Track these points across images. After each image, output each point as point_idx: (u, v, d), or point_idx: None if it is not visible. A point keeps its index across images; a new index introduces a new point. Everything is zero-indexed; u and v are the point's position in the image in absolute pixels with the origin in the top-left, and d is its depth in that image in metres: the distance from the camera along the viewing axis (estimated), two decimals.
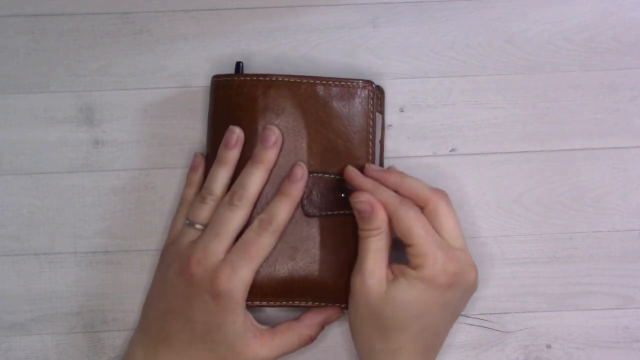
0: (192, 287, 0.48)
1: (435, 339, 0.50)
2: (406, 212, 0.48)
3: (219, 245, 0.48)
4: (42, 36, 0.56)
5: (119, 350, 0.54)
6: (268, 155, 0.50)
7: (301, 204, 0.51)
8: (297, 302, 0.51)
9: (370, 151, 0.52)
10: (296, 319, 0.52)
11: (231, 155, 0.50)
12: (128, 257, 0.55)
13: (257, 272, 0.49)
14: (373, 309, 0.48)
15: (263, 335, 0.50)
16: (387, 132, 0.55)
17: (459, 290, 0.49)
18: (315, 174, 0.51)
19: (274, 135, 0.50)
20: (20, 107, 0.55)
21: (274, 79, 0.51)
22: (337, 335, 0.54)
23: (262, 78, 0.51)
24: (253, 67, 0.55)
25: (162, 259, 0.52)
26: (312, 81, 0.51)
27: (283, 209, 0.49)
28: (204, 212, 0.50)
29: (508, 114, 0.56)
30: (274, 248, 0.50)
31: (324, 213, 0.51)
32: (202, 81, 0.56)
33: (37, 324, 0.54)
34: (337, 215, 0.51)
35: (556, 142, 0.55)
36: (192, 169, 0.53)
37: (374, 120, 0.52)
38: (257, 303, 0.50)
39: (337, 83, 0.51)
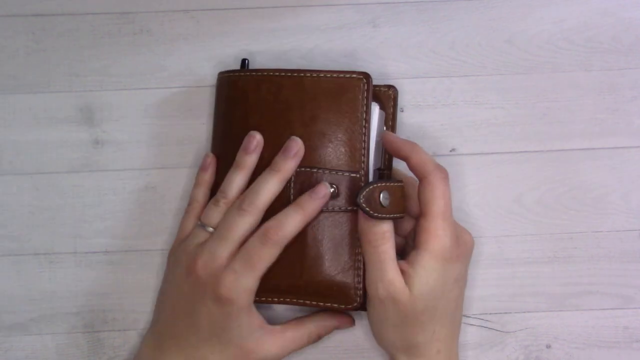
0: (197, 290, 0.48)
1: (456, 315, 0.50)
2: (437, 180, 0.48)
3: (224, 250, 0.48)
4: (42, 36, 0.56)
5: (119, 350, 0.54)
6: (287, 166, 0.49)
7: (288, 198, 0.49)
8: (301, 301, 0.50)
9: (364, 145, 0.50)
10: (308, 316, 0.52)
11: (249, 160, 0.50)
12: (128, 257, 0.55)
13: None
14: (405, 312, 0.47)
15: (273, 333, 0.50)
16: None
17: (462, 261, 0.49)
18: (305, 169, 0.50)
19: (296, 146, 0.49)
20: (20, 107, 0.55)
21: (265, 73, 0.51)
22: (337, 336, 0.54)
23: (254, 73, 0.51)
24: (253, 67, 0.55)
25: (172, 259, 0.52)
26: (302, 74, 0.50)
27: (293, 223, 0.48)
28: (215, 215, 0.50)
29: (508, 114, 0.56)
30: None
31: (336, 208, 0.50)
32: (202, 81, 0.56)
33: (37, 324, 0.54)
34: (326, 212, 0.49)
35: (556, 142, 0.55)
36: (202, 168, 0.52)
37: (368, 114, 0.50)
38: (264, 299, 0.50)
39: (329, 75, 0.50)
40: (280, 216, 0.48)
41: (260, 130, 0.50)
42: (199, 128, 0.55)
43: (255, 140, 0.50)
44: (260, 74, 0.51)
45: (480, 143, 0.55)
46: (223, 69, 0.55)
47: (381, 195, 0.48)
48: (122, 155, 0.55)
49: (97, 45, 0.56)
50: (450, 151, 0.55)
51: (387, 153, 0.53)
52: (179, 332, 0.49)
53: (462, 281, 0.50)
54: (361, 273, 0.49)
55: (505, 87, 0.56)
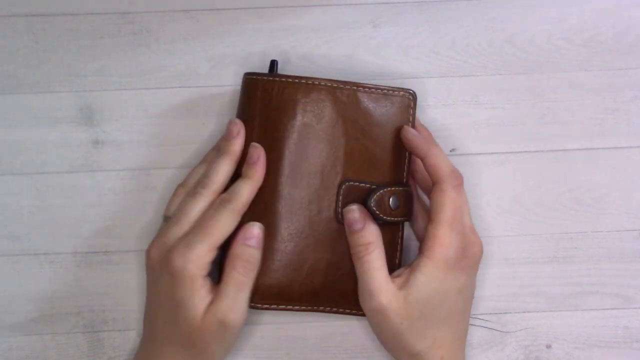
0: (154, 272, 0.49)
1: (461, 326, 0.50)
2: (449, 188, 0.48)
3: (177, 231, 0.48)
4: (42, 36, 0.56)
5: (119, 350, 0.54)
6: (232, 147, 0.50)
7: (335, 212, 0.50)
8: (321, 308, 0.51)
9: (407, 162, 0.51)
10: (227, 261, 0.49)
11: (209, 154, 0.52)
12: (128, 257, 0.55)
13: (285, 277, 0.49)
14: (399, 319, 0.47)
15: (215, 293, 0.47)
16: None
17: (468, 270, 0.49)
18: (351, 182, 0.50)
19: (236, 127, 0.50)
20: (20, 107, 0.55)
21: (317, 82, 0.50)
22: (336, 336, 0.54)
23: (304, 81, 0.50)
24: (253, 66, 0.55)
25: None
26: (354, 87, 0.51)
27: (243, 189, 0.49)
28: (172, 205, 0.51)
29: (508, 114, 0.56)
30: (305, 254, 0.50)
31: None
32: (202, 81, 0.56)
33: (37, 324, 0.54)
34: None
35: (556, 142, 0.55)
36: (181, 184, 0.53)
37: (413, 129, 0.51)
38: (282, 307, 0.50)
39: (379, 91, 0.51)
40: (232, 187, 0.49)
41: (307, 139, 0.50)
42: (199, 128, 0.55)
43: (237, 126, 0.50)
44: (311, 82, 0.50)
45: (480, 143, 0.55)
46: (223, 69, 0.55)
47: (391, 199, 0.49)
48: (122, 155, 0.55)
49: (97, 45, 0.56)
50: (450, 151, 0.55)
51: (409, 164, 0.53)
52: (154, 326, 0.49)
53: (467, 292, 0.50)
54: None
55: (505, 87, 0.56)
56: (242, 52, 0.56)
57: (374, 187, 0.50)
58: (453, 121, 0.56)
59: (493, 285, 0.55)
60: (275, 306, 0.50)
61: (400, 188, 0.50)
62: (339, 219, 0.50)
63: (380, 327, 0.48)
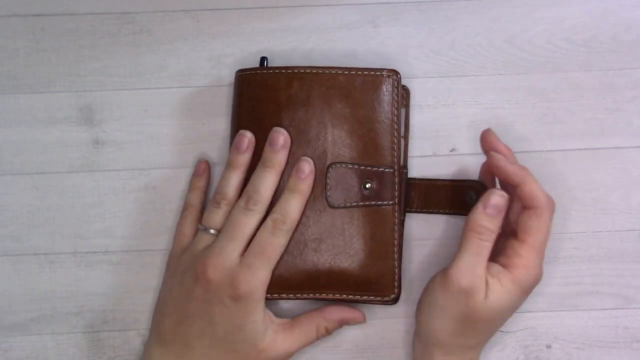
0: (211, 292, 0.48)
1: (491, 337, 0.52)
2: (547, 214, 0.49)
3: (234, 249, 0.48)
4: (42, 36, 0.56)
5: (119, 350, 0.54)
6: (278, 158, 0.50)
7: (325, 195, 0.51)
8: (323, 294, 0.50)
9: (395, 141, 0.51)
10: (317, 310, 0.52)
11: (242, 159, 0.50)
12: (128, 257, 0.55)
13: (282, 264, 0.50)
14: (472, 311, 0.47)
15: (283, 329, 0.50)
16: None
17: (529, 294, 0.50)
18: (339, 165, 0.51)
19: (282, 137, 0.50)
20: (20, 107, 0.55)
21: (296, 70, 0.51)
22: (337, 336, 0.54)
23: (284, 70, 0.51)
24: (253, 66, 0.55)
25: (175, 265, 0.51)
26: (334, 71, 0.51)
27: (294, 207, 0.49)
28: (217, 217, 0.50)
29: (508, 114, 0.56)
30: (299, 240, 0.50)
31: (348, 204, 0.51)
32: (202, 81, 0.56)
33: (37, 324, 0.54)
34: (361, 207, 0.51)
35: (556, 142, 0.55)
36: (196, 174, 0.53)
37: (398, 110, 0.52)
38: (284, 296, 0.50)
39: (360, 73, 0.51)
40: (281, 205, 0.49)
41: (293, 127, 0.51)
42: (199, 128, 0.55)
43: (247, 139, 0.51)
44: (291, 71, 0.51)
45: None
46: (223, 69, 0.55)
47: (467, 195, 0.53)
48: (122, 155, 0.55)
49: (97, 45, 0.56)
50: (450, 151, 0.55)
51: (405, 153, 0.54)
52: (192, 335, 0.49)
53: (516, 310, 0.50)
54: (399, 265, 0.51)
55: (505, 87, 0.56)
56: (242, 52, 0.56)
57: (360, 167, 0.51)
58: (453, 121, 0.56)
59: None
60: (277, 295, 0.50)
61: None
62: (330, 202, 0.50)
63: (451, 305, 0.48)
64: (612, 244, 0.55)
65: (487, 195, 0.49)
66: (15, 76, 0.55)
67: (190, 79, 0.56)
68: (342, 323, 0.52)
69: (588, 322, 0.55)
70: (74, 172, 0.55)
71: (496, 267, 0.48)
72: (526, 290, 0.49)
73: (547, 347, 0.54)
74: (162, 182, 0.55)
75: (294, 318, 0.51)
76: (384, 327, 0.54)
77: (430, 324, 0.49)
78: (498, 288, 0.48)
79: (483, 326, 0.49)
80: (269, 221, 0.49)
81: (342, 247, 0.50)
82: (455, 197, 0.53)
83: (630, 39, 0.56)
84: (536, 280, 0.49)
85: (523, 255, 0.48)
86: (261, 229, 0.49)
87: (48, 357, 0.54)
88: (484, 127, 0.55)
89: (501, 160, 0.50)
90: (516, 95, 0.56)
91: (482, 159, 0.55)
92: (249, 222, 0.49)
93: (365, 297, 0.51)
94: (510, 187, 0.50)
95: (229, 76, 0.55)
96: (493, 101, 0.56)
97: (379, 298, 0.51)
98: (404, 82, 0.55)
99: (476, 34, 0.56)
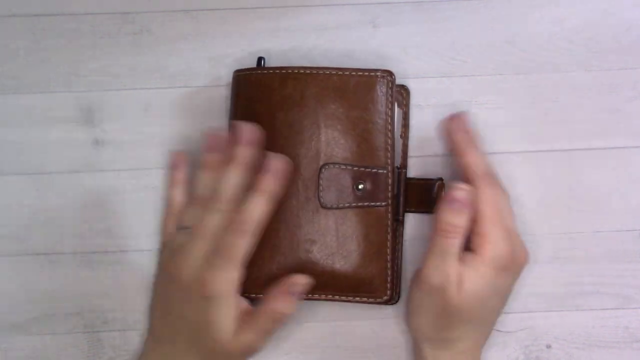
0: (183, 291, 0.49)
1: (488, 326, 0.51)
2: (483, 185, 0.48)
3: (200, 249, 0.49)
4: (42, 36, 0.56)
5: (119, 350, 0.54)
6: (243, 154, 0.50)
7: (317, 195, 0.50)
8: (316, 295, 0.50)
9: (389, 142, 0.51)
10: (267, 297, 0.50)
11: (210, 157, 0.51)
12: (128, 257, 0.55)
13: (274, 265, 0.50)
14: (449, 306, 0.48)
15: (248, 323, 0.49)
16: None
17: (512, 275, 0.49)
18: (332, 165, 0.51)
19: (247, 132, 0.50)
20: (20, 107, 0.55)
21: (290, 71, 0.51)
22: (336, 336, 0.54)
23: (278, 71, 0.51)
24: (251, 67, 0.55)
25: (159, 262, 0.53)
26: (328, 72, 0.51)
27: (256, 206, 0.49)
28: (190, 217, 0.51)
29: (508, 114, 0.56)
30: (291, 241, 0.50)
31: (341, 205, 0.51)
32: (202, 81, 0.56)
33: (37, 324, 0.54)
34: (355, 208, 0.51)
35: (556, 142, 0.55)
36: (172, 166, 0.53)
37: (392, 110, 0.52)
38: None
39: (354, 73, 0.51)
40: (244, 205, 0.49)
41: (286, 127, 0.51)
42: (199, 128, 0.55)
43: (218, 138, 0.51)
44: (285, 71, 0.51)
45: (480, 143, 0.55)
46: (223, 69, 0.55)
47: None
48: (122, 155, 0.55)
49: (97, 45, 0.56)
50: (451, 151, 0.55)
51: (405, 153, 0.54)
52: (173, 333, 0.50)
53: (505, 294, 0.50)
54: (392, 266, 0.51)
55: (505, 87, 0.56)
56: (242, 52, 0.56)
57: (353, 168, 0.50)
58: None
59: None
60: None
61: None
62: (322, 202, 0.50)
63: (429, 304, 0.48)
64: (612, 244, 0.55)
65: (448, 191, 0.48)
66: (15, 76, 0.55)
67: (190, 79, 0.56)
68: (291, 294, 0.50)
69: (588, 322, 0.55)
70: (74, 172, 0.55)
71: (468, 255, 0.48)
72: (502, 267, 0.48)
73: (547, 347, 0.54)
74: (162, 182, 0.55)
75: (254, 309, 0.50)
76: (384, 327, 0.54)
77: (414, 322, 0.50)
78: (473, 275, 0.47)
79: (466, 316, 0.48)
80: (231, 222, 0.49)
81: (335, 248, 0.50)
82: None
83: (630, 39, 0.56)
84: (509, 254, 0.48)
85: (482, 233, 0.48)
86: (226, 229, 0.49)
87: (48, 357, 0.54)
88: (484, 127, 0.55)
89: (452, 125, 0.49)
90: (516, 95, 0.56)
91: None
92: (212, 219, 0.49)
93: (358, 298, 0.51)
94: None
95: (228, 76, 0.55)
96: (493, 101, 0.56)
97: (371, 299, 0.51)
98: (404, 82, 0.55)
99: (476, 34, 0.56)
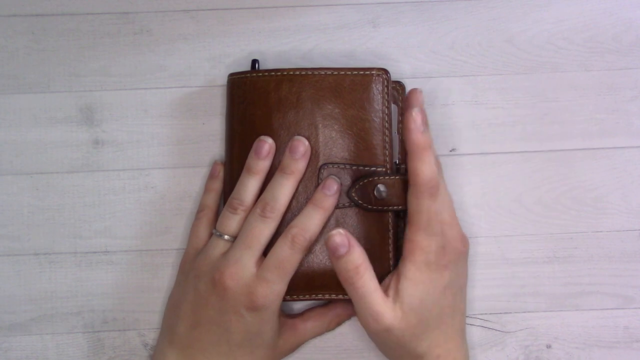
0: (227, 300, 0.48)
1: (455, 321, 0.50)
2: (420, 194, 0.47)
3: (250, 259, 0.48)
4: (42, 36, 0.56)
5: (119, 350, 0.54)
6: (298, 166, 0.49)
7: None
8: (319, 296, 0.50)
9: (387, 140, 0.51)
10: (327, 306, 0.53)
11: (262, 165, 0.50)
12: (128, 257, 0.55)
13: None
14: (401, 333, 0.48)
15: (295, 327, 0.51)
16: None
17: (455, 265, 0.49)
18: (331, 165, 0.51)
19: (302, 146, 0.50)
20: (20, 107, 0.55)
21: (285, 72, 0.51)
22: (336, 336, 0.54)
23: (273, 73, 0.51)
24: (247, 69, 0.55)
25: (189, 268, 0.51)
26: (323, 72, 0.51)
27: (316, 222, 0.49)
28: (234, 223, 0.50)
29: (508, 114, 0.56)
30: None
31: (342, 205, 0.50)
32: (202, 81, 0.56)
33: (37, 324, 0.54)
34: (354, 207, 0.51)
35: (556, 142, 0.55)
36: (212, 176, 0.53)
37: (389, 108, 0.51)
38: (298, 297, 0.50)
39: (349, 73, 0.51)
40: (302, 219, 0.49)
41: (284, 129, 0.51)
42: (199, 128, 0.55)
43: (267, 145, 0.50)
44: (280, 73, 0.51)
45: (480, 143, 0.55)
46: (223, 69, 0.55)
47: (376, 188, 0.49)
48: (122, 155, 0.55)
49: (97, 45, 0.56)
50: (450, 151, 0.55)
51: (402, 149, 0.53)
52: (208, 342, 0.49)
53: (454, 287, 0.50)
54: (394, 264, 0.50)
55: (505, 87, 0.56)
56: (242, 52, 0.56)
57: (352, 167, 0.50)
58: (453, 121, 0.56)
59: (493, 285, 0.55)
60: (292, 297, 0.50)
61: (390, 177, 0.50)
62: None
63: (386, 343, 0.49)
64: (612, 244, 0.55)
65: (328, 241, 0.48)
66: (15, 76, 0.55)
67: (190, 79, 0.56)
68: (351, 316, 0.54)
69: (588, 322, 0.55)
70: (74, 172, 0.55)
71: (400, 266, 0.48)
72: (438, 265, 0.48)
73: (547, 347, 0.54)
74: (162, 182, 0.55)
75: (304, 314, 0.52)
76: None
77: (391, 355, 0.51)
78: (409, 287, 0.47)
79: (422, 328, 0.48)
80: (288, 235, 0.48)
81: None
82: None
83: (630, 39, 0.56)
84: (442, 250, 0.48)
85: (414, 239, 0.48)
86: (280, 242, 0.48)
87: (48, 357, 0.54)
88: (484, 127, 0.55)
89: (413, 124, 0.48)
90: (516, 95, 0.56)
91: (482, 159, 0.55)
92: (265, 229, 0.48)
93: None
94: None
95: None
96: (493, 101, 0.56)
97: None
98: (404, 82, 0.55)
99: (476, 34, 0.56)
